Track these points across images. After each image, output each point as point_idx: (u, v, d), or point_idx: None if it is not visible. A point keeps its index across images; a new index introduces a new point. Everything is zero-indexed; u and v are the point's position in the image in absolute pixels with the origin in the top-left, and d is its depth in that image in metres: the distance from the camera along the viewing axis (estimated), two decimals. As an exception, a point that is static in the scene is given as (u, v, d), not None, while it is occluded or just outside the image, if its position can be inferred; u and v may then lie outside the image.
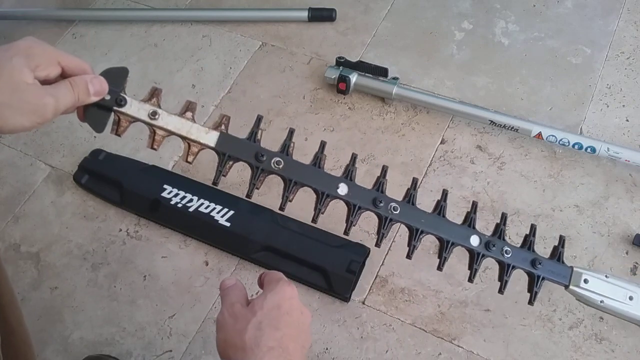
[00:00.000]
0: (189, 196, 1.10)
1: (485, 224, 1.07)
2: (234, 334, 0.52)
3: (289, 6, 1.42)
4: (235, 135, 0.62)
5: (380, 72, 1.22)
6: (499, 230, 0.66)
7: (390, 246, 1.06)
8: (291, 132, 0.62)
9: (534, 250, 0.66)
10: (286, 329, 0.53)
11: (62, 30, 1.45)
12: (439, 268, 0.64)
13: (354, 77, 1.22)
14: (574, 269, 0.65)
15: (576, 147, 1.10)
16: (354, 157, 0.63)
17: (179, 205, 1.09)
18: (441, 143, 1.18)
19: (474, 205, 0.65)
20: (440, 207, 0.64)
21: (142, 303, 1.05)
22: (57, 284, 1.08)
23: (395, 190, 1.12)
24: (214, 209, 1.08)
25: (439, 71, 1.28)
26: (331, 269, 1.01)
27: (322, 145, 0.62)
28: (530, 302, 0.66)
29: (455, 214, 1.10)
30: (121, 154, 1.21)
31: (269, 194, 1.13)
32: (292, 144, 0.62)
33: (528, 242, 0.66)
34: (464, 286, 1.00)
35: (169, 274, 1.07)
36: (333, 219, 1.13)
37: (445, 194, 0.64)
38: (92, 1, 1.52)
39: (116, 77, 0.59)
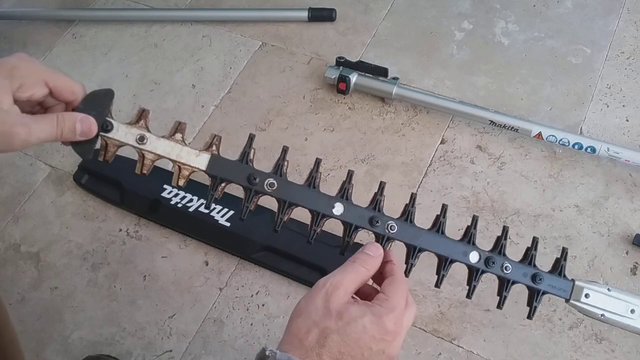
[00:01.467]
0: (189, 196, 1.10)
1: (485, 224, 1.08)
2: (312, 320, 0.48)
3: (289, 6, 1.42)
4: (226, 158, 0.61)
5: (380, 72, 1.22)
6: (500, 245, 0.65)
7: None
8: (284, 150, 0.62)
9: (535, 265, 0.65)
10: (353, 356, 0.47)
11: (62, 30, 1.45)
12: (437, 285, 0.63)
13: (354, 77, 1.22)
14: (576, 282, 0.64)
15: (576, 147, 1.10)
16: (350, 175, 0.62)
17: (179, 205, 1.09)
18: (441, 143, 1.18)
19: (475, 220, 0.65)
20: (439, 224, 0.64)
21: (142, 303, 1.05)
22: (57, 284, 1.08)
23: (395, 190, 1.13)
24: (214, 209, 1.08)
25: (439, 71, 1.28)
26: (331, 269, 1.01)
27: (317, 163, 0.61)
28: (529, 317, 0.65)
29: (455, 214, 1.10)
30: (121, 154, 1.21)
31: (269, 194, 1.13)
32: (285, 163, 0.61)
33: (529, 256, 0.65)
34: (463, 286, 1.00)
35: (169, 274, 1.07)
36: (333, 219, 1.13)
37: (444, 209, 0.64)
38: (92, 1, 1.52)
39: (102, 100, 0.57)
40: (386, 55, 1.31)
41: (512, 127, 1.14)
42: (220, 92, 1.30)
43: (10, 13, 1.51)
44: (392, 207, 1.11)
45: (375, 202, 0.62)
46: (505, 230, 0.65)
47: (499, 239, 0.65)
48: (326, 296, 0.50)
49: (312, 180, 0.61)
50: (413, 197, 0.64)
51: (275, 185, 0.60)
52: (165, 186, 1.12)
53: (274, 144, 1.20)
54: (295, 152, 1.19)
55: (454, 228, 1.08)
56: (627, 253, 1.03)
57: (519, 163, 1.14)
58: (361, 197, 1.14)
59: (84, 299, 1.06)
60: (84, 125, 0.54)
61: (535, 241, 0.65)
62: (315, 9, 1.37)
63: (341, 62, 1.24)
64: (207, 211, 1.08)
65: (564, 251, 0.66)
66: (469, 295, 0.63)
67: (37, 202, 1.18)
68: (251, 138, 0.61)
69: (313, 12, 1.37)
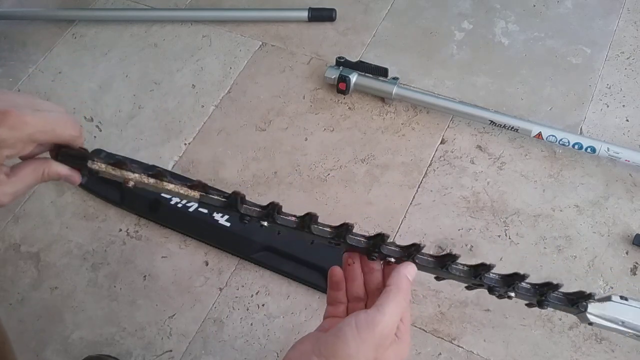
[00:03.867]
0: (189, 196, 1.10)
1: (485, 223, 1.08)
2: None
3: (289, 6, 1.42)
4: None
5: (380, 72, 1.22)
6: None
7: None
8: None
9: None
10: None
11: (62, 30, 1.45)
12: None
13: (354, 77, 1.22)
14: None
15: (576, 147, 1.10)
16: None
17: (179, 205, 1.09)
18: (441, 143, 1.18)
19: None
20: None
21: (142, 303, 1.05)
22: (57, 284, 1.08)
23: (395, 190, 1.13)
24: (214, 209, 1.08)
25: (439, 71, 1.28)
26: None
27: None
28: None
29: (455, 214, 1.10)
30: (121, 154, 1.21)
31: (268, 194, 1.13)
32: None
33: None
34: (463, 286, 1.00)
35: (169, 274, 1.07)
36: (333, 218, 1.13)
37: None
38: (92, 1, 1.52)
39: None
40: (386, 55, 1.31)
41: (512, 127, 1.14)
42: (220, 92, 1.30)
43: (10, 13, 1.51)
44: (392, 206, 1.12)
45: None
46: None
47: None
48: (378, 346, 0.48)
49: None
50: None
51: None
52: (165, 186, 1.12)
53: (274, 144, 1.20)
54: (295, 152, 1.19)
55: (454, 228, 1.08)
56: (627, 253, 1.03)
57: (519, 163, 1.14)
58: (361, 197, 1.14)
59: (84, 299, 1.06)
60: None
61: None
62: (315, 9, 1.37)
63: (341, 62, 1.24)
64: (207, 211, 1.08)
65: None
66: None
67: (37, 202, 1.18)
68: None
69: (313, 12, 1.37)
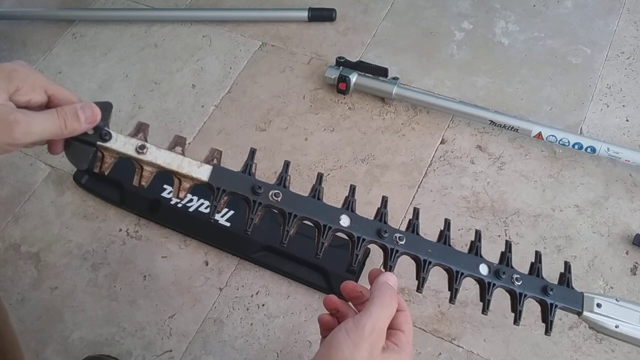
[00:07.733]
0: (189, 196, 1.10)
1: (485, 223, 1.08)
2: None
3: (289, 6, 1.42)
4: (229, 169, 0.59)
5: (380, 72, 1.22)
6: (506, 258, 0.65)
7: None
8: (287, 164, 0.61)
9: (542, 277, 0.65)
10: None
11: (62, 30, 1.45)
12: (452, 300, 0.63)
13: (354, 77, 1.22)
14: (585, 294, 0.64)
15: (576, 147, 1.10)
16: (352, 189, 0.61)
17: (179, 205, 1.09)
18: (441, 143, 1.18)
19: (478, 234, 0.64)
20: (445, 237, 0.63)
21: (142, 303, 1.05)
22: (57, 284, 1.08)
23: (395, 190, 1.13)
24: (214, 209, 1.08)
25: (439, 71, 1.28)
26: (331, 269, 1.01)
27: (320, 177, 0.61)
28: (547, 333, 0.65)
29: (455, 214, 1.10)
30: (121, 154, 1.21)
31: (269, 194, 1.13)
32: (288, 177, 0.60)
33: (535, 269, 0.65)
34: (464, 286, 1.00)
35: (169, 274, 1.07)
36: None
37: (448, 222, 0.63)
38: (92, 1, 1.52)
39: (100, 110, 0.54)
40: (386, 55, 1.31)
41: (512, 127, 1.14)
42: (220, 92, 1.30)
43: (10, 13, 1.51)
44: (392, 206, 1.11)
45: (381, 215, 0.61)
46: (508, 244, 0.65)
47: (503, 253, 0.65)
48: (371, 348, 0.49)
49: (317, 192, 0.60)
50: (416, 212, 0.63)
51: (280, 195, 0.58)
52: (165, 186, 1.12)
53: (274, 144, 1.20)
54: (295, 152, 1.19)
55: (454, 228, 1.08)
56: (627, 253, 1.03)
57: (519, 163, 1.14)
58: (361, 197, 1.14)
59: (84, 299, 1.06)
60: (87, 111, 0.51)
61: (538, 255, 0.65)
62: (315, 9, 1.37)
63: (341, 62, 1.24)
64: (207, 211, 1.08)
65: (567, 265, 0.66)
66: (484, 311, 0.62)
67: (37, 202, 1.18)
68: (252, 152, 0.60)
69: (313, 12, 1.37)
